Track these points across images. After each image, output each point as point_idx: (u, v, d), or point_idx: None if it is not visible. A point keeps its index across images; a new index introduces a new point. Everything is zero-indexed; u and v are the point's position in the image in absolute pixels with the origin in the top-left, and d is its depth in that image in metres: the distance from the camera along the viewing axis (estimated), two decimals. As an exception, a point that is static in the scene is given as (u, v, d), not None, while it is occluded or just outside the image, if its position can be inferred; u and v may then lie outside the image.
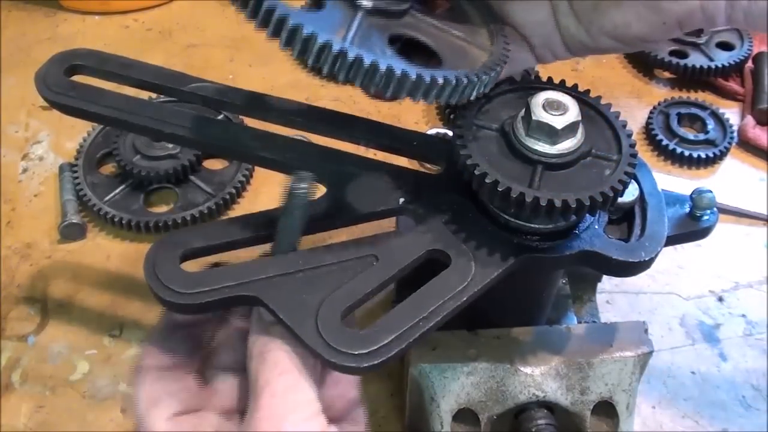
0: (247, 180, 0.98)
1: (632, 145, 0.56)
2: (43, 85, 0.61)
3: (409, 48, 0.52)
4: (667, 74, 1.19)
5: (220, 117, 0.96)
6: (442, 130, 1.05)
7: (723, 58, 1.16)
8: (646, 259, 0.57)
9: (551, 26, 0.55)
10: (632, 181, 0.58)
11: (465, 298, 0.53)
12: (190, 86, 0.64)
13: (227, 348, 0.57)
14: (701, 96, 1.16)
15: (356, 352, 0.48)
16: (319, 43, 0.45)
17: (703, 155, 1.06)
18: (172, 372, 0.54)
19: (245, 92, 0.66)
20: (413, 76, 0.46)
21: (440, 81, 0.48)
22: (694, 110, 1.11)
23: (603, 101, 0.59)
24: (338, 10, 0.49)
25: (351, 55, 0.45)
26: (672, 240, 0.62)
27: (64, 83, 0.61)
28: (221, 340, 0.58)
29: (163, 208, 0.95)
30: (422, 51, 0.52)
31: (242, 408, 0.51)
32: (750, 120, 1.10)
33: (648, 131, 1.09)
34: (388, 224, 0.64)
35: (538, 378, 0.64)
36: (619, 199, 0.56)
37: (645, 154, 1.07)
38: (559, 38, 0.56)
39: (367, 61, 0.45)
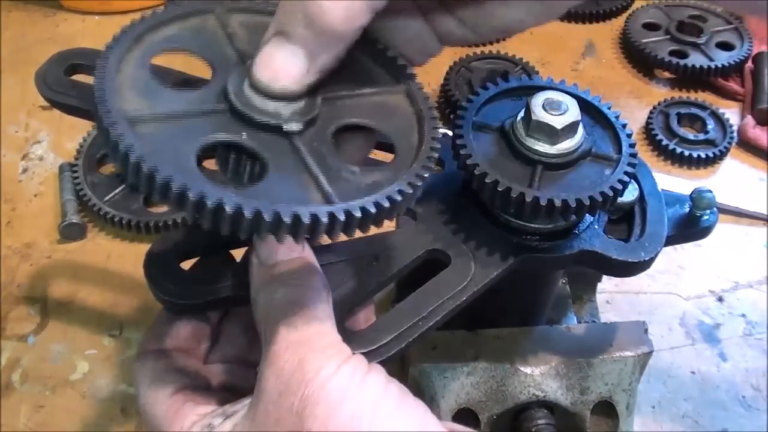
0: (247, 180, 0.98)
1: (632, 145, 0.56)
2: (43, 84, 0.61)
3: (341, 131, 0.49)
4: (667, 74, 1.19)
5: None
6: (442, 130, 1.05)
7: (723, 58, 1.16)
8: (646, 259, 0.57)
9: (427, 35, 0.53)
10: (632, 181, 0.58)
11: (464, 298, 0.53)
12: None
13: (231, 338, 0.57)
14: (701, 96, 1.16)
15: (356, 352, 0.48)
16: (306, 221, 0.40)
17: (703, 155, 1.05)
18: (174, 354, 0.54)
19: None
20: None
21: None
22: (694, 110, 1.11)
23: (603, 101, 0.59)
24: (287, 161, 0.44)
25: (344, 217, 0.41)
26: (672, 240, 0.62)
27: (65, 82, 0.61)
28: (226, 331, 0.58)
29: (163, 208, 0.95)
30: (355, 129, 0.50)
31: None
32: (750, 120, 1.10)
33: (648, 131, 1.09)
34: (387, 224, 0.64)
35: (538, 378, 0.64)
36: (619, 199, 0.56)
37: (645, 154, 1.07)
38: (437, 42, 0.53)
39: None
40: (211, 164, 0.49)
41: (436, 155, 0.47)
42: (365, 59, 0.52)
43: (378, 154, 0.55)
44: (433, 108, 0.50)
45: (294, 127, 0.45)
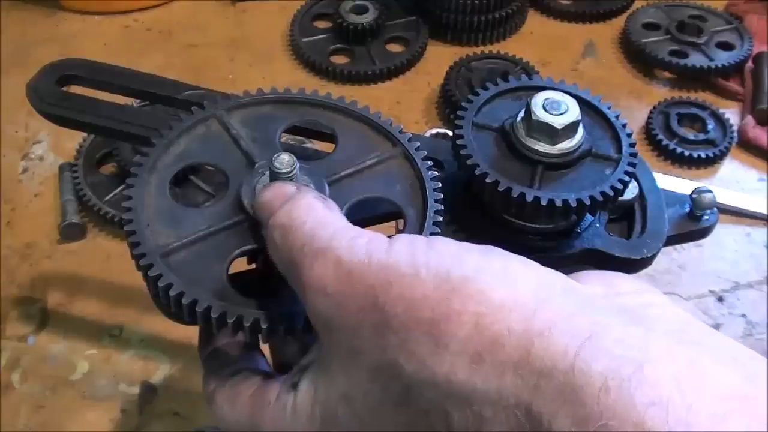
0: (247, 180, 0.98)
1: (632, 145, 0.56)
2: (34, 95, 0.61)
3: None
4: (667, 74, 1.19)
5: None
6: (442, 130, 1.05)
7: (723, 58, 1.16)
8: (649, 255, 0.57)
9: None
10: (632, 179, 0.58)
11: None
12: (185, 94, 0.64)
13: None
14: (701, 96, 1.16)
15: None
16: None
17: (703, 155, 1.05)
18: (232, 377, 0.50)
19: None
20: None
21: None
22: (694, 110, 1.11)
23: (603, 101, 0.59)
24: None
25: None
26: (672, 240, 0.62)
27: (57, 94, 0.61)
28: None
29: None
30: None
31: None
32: (750, 120, 1.10)
33: (648, 131, 1.09)
34: (389, 227, 0.64)
35: (539, 378, 0.64)
36: (619, 198, 0.56)
37: (645, 154, 1.07)
38: None
39: None
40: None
41: (440, 218, 0.50)
42: (363, 128, 0.55)
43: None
44: (431, 167, 0.53)
45: None
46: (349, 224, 0.42)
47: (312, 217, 0.41)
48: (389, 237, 0.40)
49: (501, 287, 0.36)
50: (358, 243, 0.39)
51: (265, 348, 0.54)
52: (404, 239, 0.39)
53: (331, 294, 0.38)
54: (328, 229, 0.40)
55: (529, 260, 0.39)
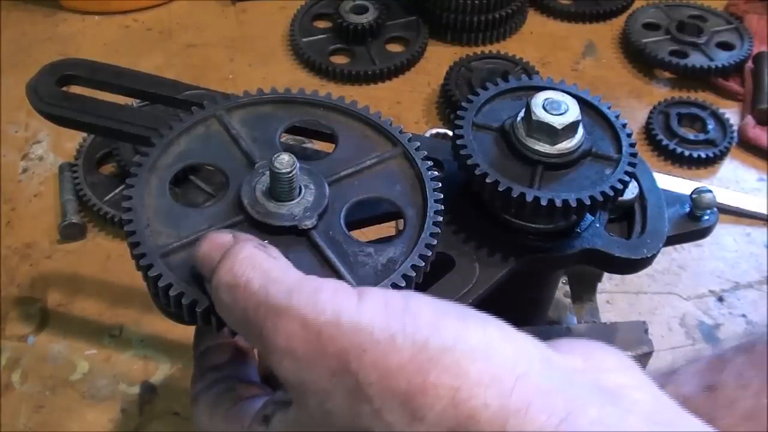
0: (247, 180, 0.98)
1: (632, 145, 0.56)
2: (34, 95, 0.61)
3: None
4: (667, 74, 1.19)
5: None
6: (442, 130, 1.05)
7: (723, 58, 1.16)
8: (649, 255, 0.57)
9: None
10: (632, 179, 0.58)
11: (470, 300, 0.53)
12: (185, 94, 0.64)
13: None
14: (701, 96, 1.15)
15: None
16: None
17: (703, 155, 1.05)
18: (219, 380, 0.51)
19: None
20: None
21: None
22: (694, 110, 1.11)
23: (603, 101, 0.59)
24: (305, 257, 0.47)
25: None
26: (672, 240, 0.62)
27: (57, 94, 0.61)
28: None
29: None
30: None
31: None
32: (750, 120, 1.09)
33: (648, 131, 1.09)
34: (389, 228, 0.64)
35: (539, 378, 0.64)
36: (619, 198, 0.56)
37: (645, 154, 1.07)
38: None
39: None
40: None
41: (440, 218, 0.50)
42: (363, 128, 0.55)
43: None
44: (431, 167, 0.53)
45: (309, 223, 0.48)
46: (301, 274, 0.40)
47: (258, 273, 0.40)
48: (354, 288, 0.39)
49: (479, 360, 0.35)
50: (322, 299, 0.37)
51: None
52: (376, 296, 0.38)
53: (300, 357, 0.37)
54: (281, 284, 0.39)
55: (506, 326, 0.38)
